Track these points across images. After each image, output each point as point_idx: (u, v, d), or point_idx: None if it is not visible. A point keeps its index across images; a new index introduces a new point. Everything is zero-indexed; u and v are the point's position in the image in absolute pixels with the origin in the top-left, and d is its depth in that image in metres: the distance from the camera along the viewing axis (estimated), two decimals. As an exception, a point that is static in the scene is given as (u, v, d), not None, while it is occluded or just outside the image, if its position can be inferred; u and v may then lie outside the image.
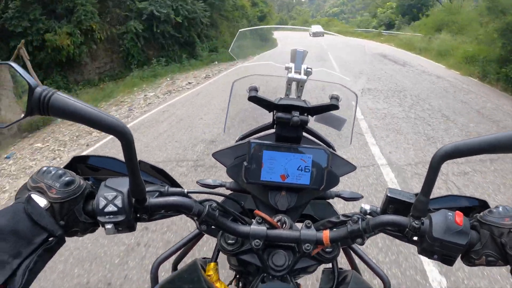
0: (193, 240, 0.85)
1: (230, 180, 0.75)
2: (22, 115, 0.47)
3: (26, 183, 0.51)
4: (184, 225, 2.66)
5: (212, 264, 0.73)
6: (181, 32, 13.52)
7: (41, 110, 0.44)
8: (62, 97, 0.45)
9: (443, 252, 0.55)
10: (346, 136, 0.82)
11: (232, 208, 0.64)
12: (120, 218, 0.53)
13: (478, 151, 0.49)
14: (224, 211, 0.62)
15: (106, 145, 5.04)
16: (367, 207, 0.66)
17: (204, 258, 0.80)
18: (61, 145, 5.53)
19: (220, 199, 0.70)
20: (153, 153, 4.34)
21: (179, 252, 0.86)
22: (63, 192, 0.50)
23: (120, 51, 12.78)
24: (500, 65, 8.31)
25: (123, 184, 0.54)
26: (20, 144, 5.97)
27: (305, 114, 0.68)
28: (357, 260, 0.89)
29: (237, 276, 0.87)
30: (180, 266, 0.87)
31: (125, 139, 0.48)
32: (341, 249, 0.68)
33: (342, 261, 0.85)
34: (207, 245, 2.21)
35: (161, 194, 0.63)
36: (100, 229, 0.56)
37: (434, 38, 16.37)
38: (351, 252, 0.87)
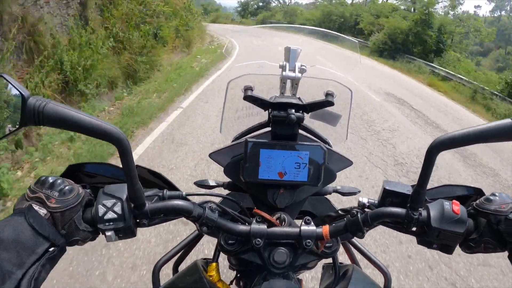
0: (193, 242, 0.85)
1: (228, 179, 0.75)
2: (16, 126, 0.46)
3: (25, 194, 0.51)
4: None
5: (213, 264, 0.72)
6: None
7: (36, 121, 0.44)
8: (56, 106, 0.44)
9: (441, 241, 0.55)
10: (342, 131, 0.83)
11: (231, 208, 0.64)
12: (120, 224, 0.53)
13: (474, 141, 0.49)
14: (224, 211, 0.62)
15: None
16: (365, 200, 0.66)
17: (205, 259, 0.79)
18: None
19: (218, 199, 0.70)
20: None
21: (179, 254, 0.86)
22: (62, 201, 0.50)
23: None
24: None
25: (121, 190, 0.54)
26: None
27: (301, 112, 0.68)
28: (357, 255, 0.89)
29: (238, 275, 0.87)
30: (181, 268, 0.87)
31: (122, 145, 0.48)
32: (340, 244, 0.68)
33: (342, 257, 0.86)
34: (208, 246, 2.19)
35: (160, 198, 0.62)
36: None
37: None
38: (351, 247, 0.88)
